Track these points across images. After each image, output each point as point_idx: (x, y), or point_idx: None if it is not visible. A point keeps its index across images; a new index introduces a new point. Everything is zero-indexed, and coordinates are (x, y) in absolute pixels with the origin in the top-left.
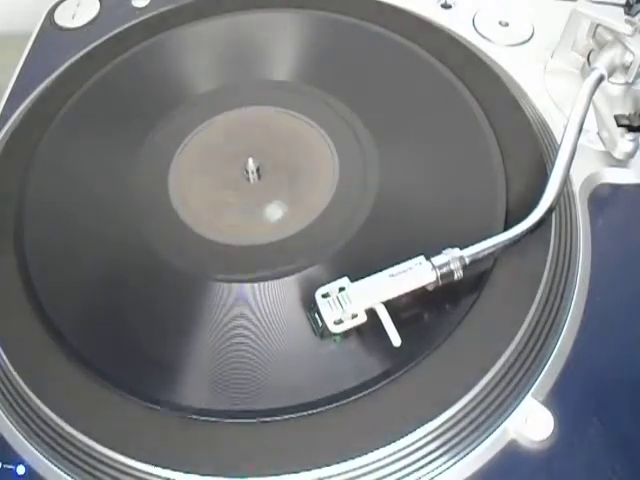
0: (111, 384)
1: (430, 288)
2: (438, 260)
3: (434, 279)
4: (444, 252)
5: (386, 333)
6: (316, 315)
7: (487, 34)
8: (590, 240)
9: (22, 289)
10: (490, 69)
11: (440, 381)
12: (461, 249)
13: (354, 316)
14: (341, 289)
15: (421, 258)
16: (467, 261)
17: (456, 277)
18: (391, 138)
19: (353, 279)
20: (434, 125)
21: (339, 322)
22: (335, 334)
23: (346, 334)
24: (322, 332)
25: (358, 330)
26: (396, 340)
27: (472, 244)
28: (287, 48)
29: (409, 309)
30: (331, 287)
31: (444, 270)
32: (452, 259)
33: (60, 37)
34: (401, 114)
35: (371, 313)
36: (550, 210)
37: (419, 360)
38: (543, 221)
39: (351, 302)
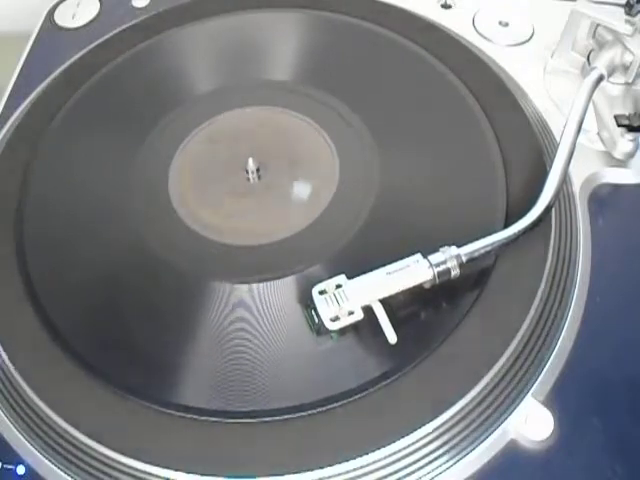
0: (111, 384)
1: (427, 286)
2: (435, 258)
3: (431, 277)
4: (441, 250)
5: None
6: (313, 312)
7: (487, 34)
8: (590, 240)
9: (22, 289)
10: (490, 69)
11: (440, 381)
12: (459, 247)
13: (351, 313)
14: (338, 286)
15: (418, 256)
16: (464, 259)
17: (453, 275)
18: (391, 138)
19: (352, 278)
20: (434, 125)
21: (335, 319)
22: (331, 331)
23: (348, 335)
24: (318, 329)
25: (359, 330)
26: (392, 337)
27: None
28: (287, 48)
29: (409, 309)
30: (328, 284)
31: (441, 268)
32: (449, 257)
33: (60, 37)
34: (401, 114)
35: (371, 312)
36: (548, 208)
37: (419, 360)
38: (541, 220)
39: (348, 299)
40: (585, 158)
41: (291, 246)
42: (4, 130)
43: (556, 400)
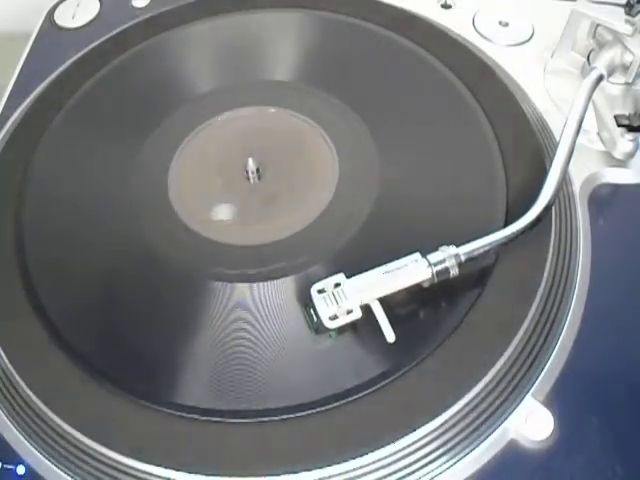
0: (111, 384)
1: (426, 285)
2: (434, 257)
3: (429, 276)
4: (440, 249)
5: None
6: (312, 311)
7: (487, 34)
8: (590, 240)
9: (22, 289)
10: (490, 69)
11: (440, 381)
12: (458, 247)
13: (349, 312)
14: (337, 285)
15: (417, 255)
16: (463, 259)
17: (452, 275)
18: (391, 138)
19: (351, 277)
20: (434, 125)
21: (334, 318)
22: (330, 330)
23: (346, 334)
24: (317, 327)
25: (358, 329)
26: (390, 336)
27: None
28: (287, 48)
29: (409, 309)
30: (327, 283)
31: (439, 267)
32: (448, 256)
33: (60, 37)
34: (401, 114)
35: (370, 311)
36: (548, 207)
37: (419, 360)
38: (541, 219)
39: (346, 298)
40: (585, 158)
41: (290, 245)
42: (4, 130)
43: (556, 400)
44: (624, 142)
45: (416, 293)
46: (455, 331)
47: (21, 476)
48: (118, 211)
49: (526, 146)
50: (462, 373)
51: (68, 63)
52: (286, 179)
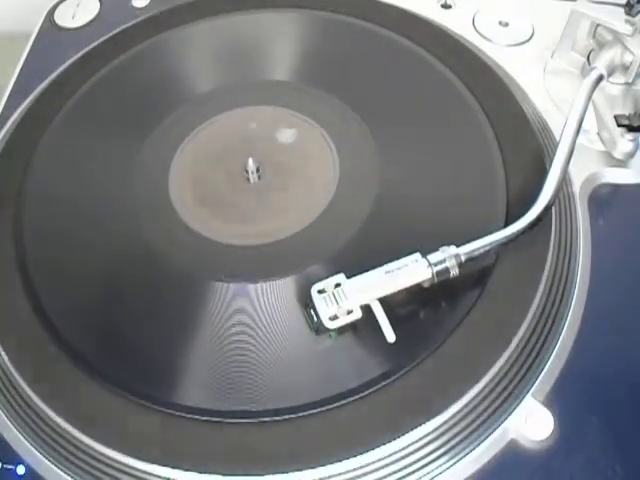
0: (111, 384)
1: (426, 285)
2: (434, 257)
3: (430, 276)
4: (440, 249)
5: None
6: (312, 311)
7: (487, 34)
8: (590, 240)
9: (22, 289)
10: (490, 69)
11: (440, 381)
12: (458, 247)
13: (349, 312)
14: (337, 285)
15: (417, 255)
16: (463, 259)
17: (452, 274)
18: (391, 138)
19: (351, 277)
20: (434, 125)
21: (334, 318)
22: (330, 330)
23: (347, 334)
24: (317, 328)
25: (358, 329)
26: (391, 336)
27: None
28: (287, 48)
29: (409, 309)
30: (327, 283)
31: (440, 267)
32: (448, 256)
33: (60, 37)
34: (401, 114)
35: (370, 311)
36: (548, 207)
37: (419, 360)
38: (541, 219)
39: (347, 298)
40: (585, 158)
41: (291, 246)
42: (4, 130)
43: (556, 400)
44: (624, 142)
45: (416, 293)
46: (455, 331)
47: (21, 476)
48: (118, 211)
49: (526, 146)
50: (462, 373)
51: (68, 63)
52: (286, 179)
